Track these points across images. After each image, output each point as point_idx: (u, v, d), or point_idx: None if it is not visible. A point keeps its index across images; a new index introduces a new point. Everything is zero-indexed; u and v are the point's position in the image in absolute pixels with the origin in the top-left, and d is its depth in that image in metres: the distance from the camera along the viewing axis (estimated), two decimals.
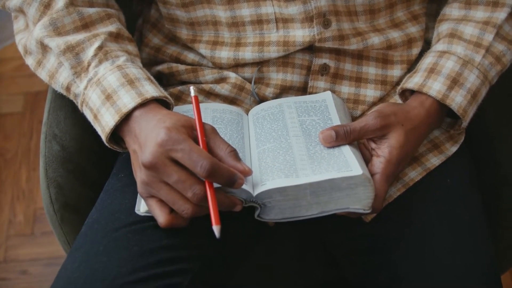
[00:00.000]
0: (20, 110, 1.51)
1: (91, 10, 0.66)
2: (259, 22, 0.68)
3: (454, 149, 0.70)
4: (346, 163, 0.59)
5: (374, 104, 0.72)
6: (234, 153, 0.57)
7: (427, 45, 0.74)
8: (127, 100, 0.60)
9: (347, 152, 0.60)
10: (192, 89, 0.62)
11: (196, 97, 0.61)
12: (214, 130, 0.59)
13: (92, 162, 0.75)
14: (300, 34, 0.67)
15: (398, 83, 0.72)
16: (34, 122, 1.48)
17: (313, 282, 0.74)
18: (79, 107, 0.64)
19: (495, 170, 0.77)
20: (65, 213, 0.72)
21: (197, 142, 0.57)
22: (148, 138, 0.56)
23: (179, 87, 0.73)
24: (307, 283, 0.74)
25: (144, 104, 0.60)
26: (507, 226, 0.78)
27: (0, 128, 1.48)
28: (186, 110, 0.67)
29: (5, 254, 1.27)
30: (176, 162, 0.55)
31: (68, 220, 0.72)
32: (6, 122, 1.49)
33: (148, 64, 0.76)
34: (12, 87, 1.55)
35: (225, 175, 0.54)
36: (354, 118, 0.72)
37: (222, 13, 0.68)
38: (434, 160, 0.68)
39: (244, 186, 0.56)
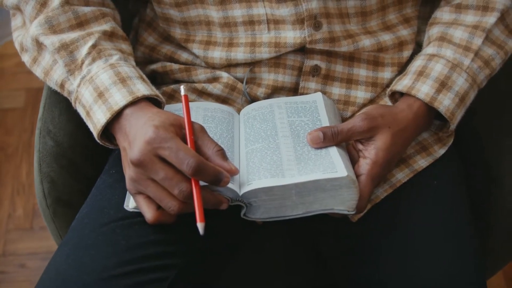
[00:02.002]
0: (21, 106, 1.52)
1: (86, 9, 0.67)
2: (250, 23, 0.69)
3: (442, 151, 0.70)
4: (332, 164, 0.59)
5: (364, 105, 0.73)
6: (222, 152, 0.58)
7: (419, 48, 0.74)
8: (119, 98, 0.61)
9: (334, 154, 0.61)
10: (182, 88, 0.63)
11: (186, 96, 0.62)
12: (202, 129, 0.60)
13: (85, 158, 0.76)
14: (291, 35, 0.68)
15: (388, 85, 0.73)
16: (35, 118, 1.47)
17: (301, 282, 0.74)
18: (73, 104, 0.65)
19: (484, 172, 0.77)
20: (58, 207, 0.73)
21: (185, 141, 0.58)
22: (137, 135, 0.57)
23: (173, 86, 0.74)
24: (295, 283, 0.74)
25: (135, 102, 0.61)
26: (497, 229, 0.78)
27: (1, 123, 1.50)
28: (178, 108, 0.68)
29: (4, 247, 1.29)
30: (164, 160, 0.56)
31: (61, 215, 0.74)
32: (7, 117, 1.51)
33: (143, 62, 0.77)
34: (14, 83, 1.56)
35: (211, 174, 0.55)
36: (344, 119, 0.72)
37: (214, 13, 0.69)
38: (422, 162, 0.69)
39: (230, 185, 0.57)
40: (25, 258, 1.27)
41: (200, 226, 0.53)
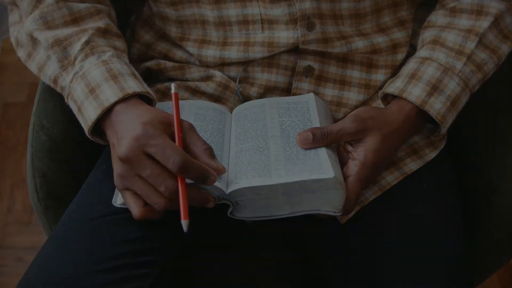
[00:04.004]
0: (24, 100, 1.53)
1: (81, 6, 0.67)
2: (245, 22, 0.69)
3: (433, 154, 0.70)
4: (320, 165, 0.59)
5: (357, 107, 0.72)
6: (209, 151, 0.58)
7: (414, 51, 0.74)
8: (109, 94, 0.61)
9: (323, 155, 0.61)
10: (172, 86, 0.63)
11: (176, 94, 0.62)
12: (191, 127, 0.60)
13: (78, 153, 0.76)
14: (285, 35, 0.68)
15: (381, 87, 0.72)
16: None
17: (289, 283, 0.74)
18: (65, 99, 0.66)
19: (477, 176, 0.77)
20: (49, 202, 0.74)
21: (174, 139, 0.58)
22: (125, 132, 0.57)
23: (166, 84, 0.74)
24: (283, 284, 0.74)
25: (126, 99, 0.61)
26: (489, 232, 0.78)
27: (4, 117, 1.51)
28: (170, 106, 0.68)
29: (2, 241, 1.30)
30: (151, 157, 0.56)
31: (52, 209, 0.74)
32: (10, 111, 1.52)
33: (138, 60, 0.78)
34: (17, 77, 1.58)
35: (197, 172, 0.55)
36: (336, 121, 0.72)
37: (209, 12, 0.70)
38: (412, 165, 0.69)
39: (217, 184, 0.57)
40: (23, 252, 1.28)
41: (184, 223, 0.54)
